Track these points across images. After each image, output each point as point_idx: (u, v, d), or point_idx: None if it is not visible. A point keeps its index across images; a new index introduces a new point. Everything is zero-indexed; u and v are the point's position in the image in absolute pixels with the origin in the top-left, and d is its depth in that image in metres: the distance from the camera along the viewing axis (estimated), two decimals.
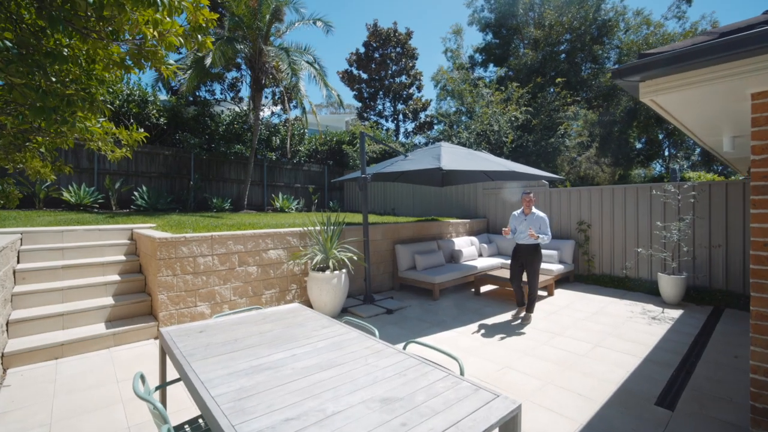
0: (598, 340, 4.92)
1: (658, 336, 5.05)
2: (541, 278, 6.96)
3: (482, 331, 5.29)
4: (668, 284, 6.51)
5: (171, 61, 2.17)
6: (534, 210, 5.72)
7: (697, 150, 25.80)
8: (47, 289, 4.62)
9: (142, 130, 3.27)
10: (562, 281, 8.23)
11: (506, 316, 5.93)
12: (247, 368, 1.94)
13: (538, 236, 5.44)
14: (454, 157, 6.08)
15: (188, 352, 2.12)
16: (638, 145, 23.68)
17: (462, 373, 2.01)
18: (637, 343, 4.81)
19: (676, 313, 6.04)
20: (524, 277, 5.93)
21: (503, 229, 5.69)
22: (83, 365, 3.94)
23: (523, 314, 5.77)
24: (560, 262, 8.10)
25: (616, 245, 7.92)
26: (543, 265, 7.72)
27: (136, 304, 4.98)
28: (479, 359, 4.31)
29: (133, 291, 5.29)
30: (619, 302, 6.71)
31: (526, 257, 5.70)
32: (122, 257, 5.66)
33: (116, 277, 5.26)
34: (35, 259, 5.07)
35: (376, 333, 2.59)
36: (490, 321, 5.71)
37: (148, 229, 6.10)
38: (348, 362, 2.03)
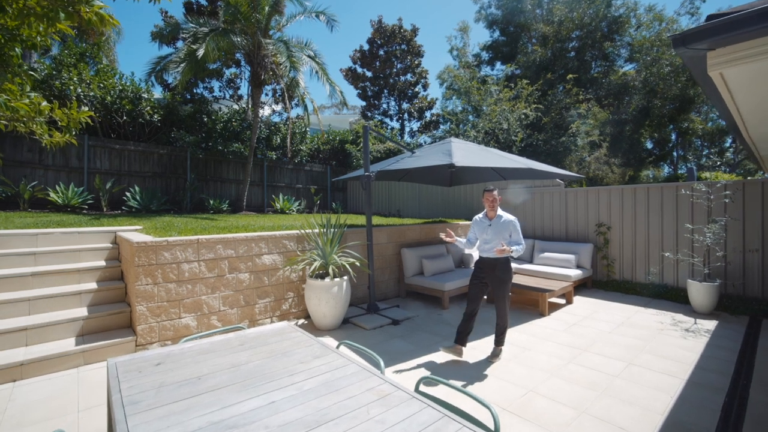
0: (631, 357, 4.36)
1: (697, 352, 4.49)
2: (560, 284, 6.41)
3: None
4: (700, 292, 5.94)
5: (99, 2, 1.65)
6: (500, 212, 4.31)
7: (705, 151, 25.10)
8: (12, 299, 4.11)
9: (85, 107, 2.73)
10: (580, 288, 7.66)
11: (524, 328, 5.38)
12: (204, 426, 1.41)
13: (512, 250, 4.03)
14: (466, 153, 5.54)
15: (132, 397, 1.60)
16: (648, 145, 23.02)
17: None
18: (675, 360, 4.25)
19: (711, 325, 5.47)
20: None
21: (442, 233, 4.35)
22: (43, 389, 3.43)
23: (460, 356, 4.27)
24: (578, 266, 7.53)
25: (638, 249, 7.34)
26: (560, 270, 7.16)
27: (114, 315, 4.47)
28: (499, 381, 3.77)
29: (112, 300, 4.78)
30: (645, 311, 6.14)
31: (492, 276, 4.22)
32: (102, 263, 5.16)
33: (93, 285, 4.75)
34: (1, 266, 4.57)
35: (382, 364, 2.05)
36: (506, 333, 5.15)
37: (132, 231, 5.60)
38: (343, 415, 1.49)
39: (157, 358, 2.03)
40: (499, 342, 4.35)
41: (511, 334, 5.14)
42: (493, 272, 4.22)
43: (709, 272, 6.26)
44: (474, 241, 4.49)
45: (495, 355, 4.30)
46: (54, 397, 3.29)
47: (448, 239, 4.28)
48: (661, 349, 4.57)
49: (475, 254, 7.82)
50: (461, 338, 4.30)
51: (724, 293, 6.28)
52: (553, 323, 5.58)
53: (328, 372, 1.88)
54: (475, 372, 3.99)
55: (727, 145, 24.48)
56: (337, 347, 2.32)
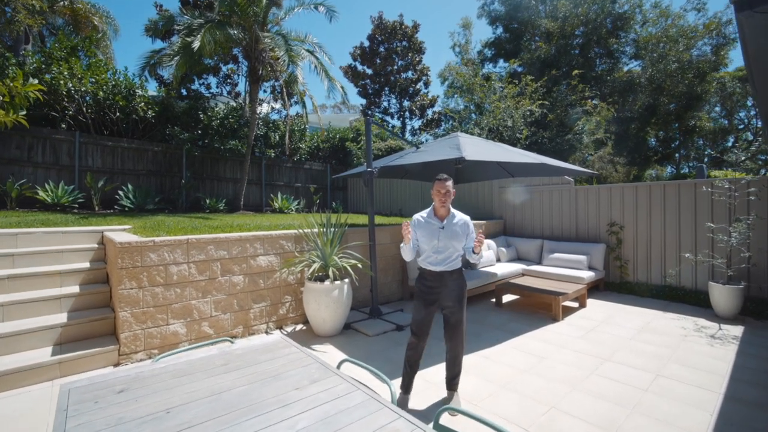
0: (657, 367, 4.01)
1: (728, 361, 4.13)
2: (573, 287, 6.05)
3: (512, 353, 4.39)
4: (723, 295, 5.59)
5: None
6: (452, 210, 3.26)
7: (707, 151, 24.71)
8: None
9: (40, 87, 2.35)
10: (592, 290, 7.28)
11: (537, 334, 5.02)
12: None
13: (481, 256, 3.21)
14: (476, 147, 5.20)
15: None
16: (652, 144, 22.66)
17: None
18: (706, 371, 3.89)
19: (737, 330, 5.12)
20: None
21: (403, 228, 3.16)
22: (11, 407, 3.08)
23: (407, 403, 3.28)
24: (590, 268, 7.18)
25: (653, 249, 6.98)
26: (572, 272, 6.81)
27: (96, 321, 4.12)
28: (517, 395, 3.41)
29: (95, 305, 4.43)
30: (665, 316, 5.79)
31: (446, 294, 3.16)
32: (86, 264, 4.81)
33: (76, 289, 4.41)
34: None
35: (392, 390, 1.70)
36: (519, 339, 4.81)
37: (119, 231, 5.25)
38: None
39: (121, 382, 1.68)
40: (452, 386, 3.34)
41: (525, 340, 4.79)
42: (446, 290, 3.16)
43: (732, 274, 5.90)
44: (417, 246, 3.30)
45: (450, 399, 3.34)
46: (22, 416, 2.94)
47: (406, 235, 3.15)
48: (688, 358, 4.22)
49: (483, 254, 7.46)
50: (408, 385, 3.32)
51: (748, 296, 5.92)
52: (568, 329, 5.23)
53: (328, 402, 1.53)
54: (492, 385, 3.64)
55: (729, 144, 24.13)
56: (338, 366, 1.97)
